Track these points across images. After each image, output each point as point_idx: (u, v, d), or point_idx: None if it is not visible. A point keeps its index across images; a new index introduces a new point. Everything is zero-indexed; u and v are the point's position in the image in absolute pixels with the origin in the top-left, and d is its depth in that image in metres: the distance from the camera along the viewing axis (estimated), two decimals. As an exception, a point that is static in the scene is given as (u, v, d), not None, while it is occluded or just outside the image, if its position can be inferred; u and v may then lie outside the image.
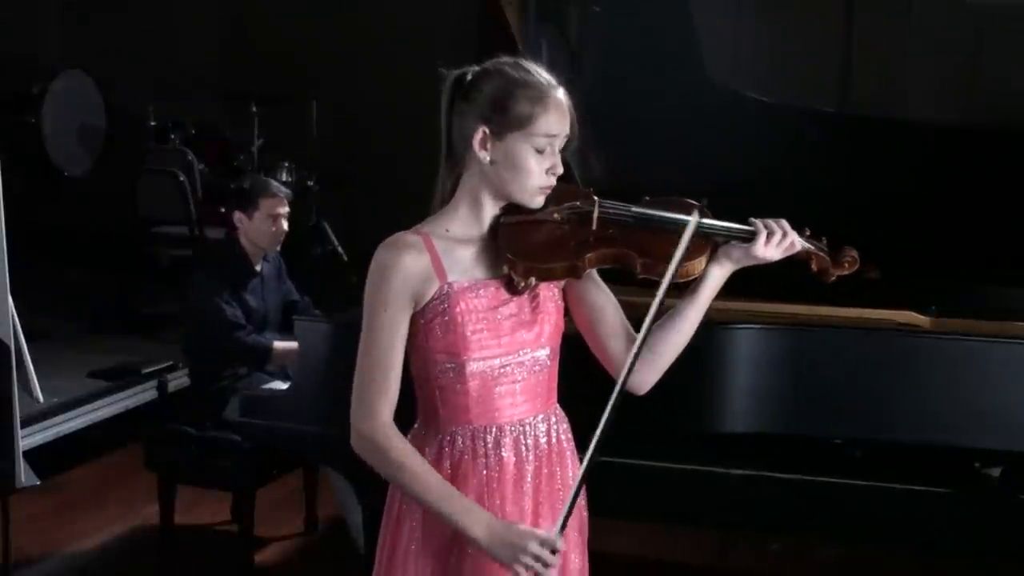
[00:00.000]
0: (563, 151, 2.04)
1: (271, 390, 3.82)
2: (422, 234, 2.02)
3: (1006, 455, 3.17)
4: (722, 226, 2.04)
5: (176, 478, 4.21)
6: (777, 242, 2.03)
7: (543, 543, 1.94)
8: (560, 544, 1.96)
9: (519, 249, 2.01)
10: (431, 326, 2.01)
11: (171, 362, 5.41)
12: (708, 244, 2.05)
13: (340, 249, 7.11)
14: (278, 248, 4.28)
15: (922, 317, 3.37)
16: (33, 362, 4.73)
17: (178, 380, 5.31)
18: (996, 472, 3.21)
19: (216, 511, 4.48)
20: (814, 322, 3.35)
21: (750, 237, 2.04)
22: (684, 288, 2.09)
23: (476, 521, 1.97)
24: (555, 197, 2.06)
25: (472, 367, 2.02)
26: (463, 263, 2.02)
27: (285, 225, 4.22)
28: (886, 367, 3.05)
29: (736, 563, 4.29)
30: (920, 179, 3.60)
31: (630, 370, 1.96)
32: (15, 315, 4.11)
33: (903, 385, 3.04)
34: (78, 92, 7.07)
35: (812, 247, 2.10)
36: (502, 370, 2.04)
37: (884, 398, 3.04)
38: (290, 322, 3.84)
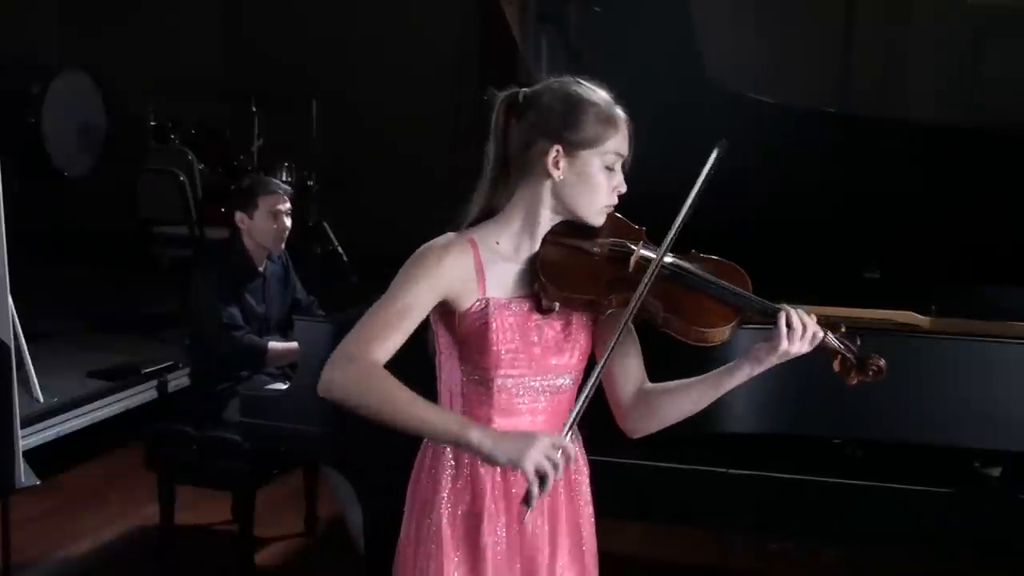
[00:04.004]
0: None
1: (272, 390, 3.82)
2: (471, 240, 2.03)
3: (1006, 455, 3.17)
4: (747, 296, 2.03)
5: (176, 478, 4.20)
6: (800, 337, 2.00)
7: (551, 442, 1.89)
8: (569, 446, 1.91)
9: (551, 273, 2.02)
10: (465, 336, 2.03)
11: (171, 362, 5.41)
12: (736, 314, 2.03)
13: (340, 249, 7.12)
14: (283, 246, 4.27)
15: (922, 317, 3.37)
16: (33, 362, 4.73)
17: (178, 380, 5.32)
18: (996, 472, 3.21)
19: (216, 511, 4.48)
20: (814, 322, 3.35)
21: (771, 315, 2.01)
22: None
23: (472, 427, 1.92)
24: (607, 228, 2.08)
25: (499, 382, 2.04)
26: (504, 278, 2.04)
27: (288, 222, 4.22)
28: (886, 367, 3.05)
29: (736, 563, 4.28)
30: (920, 179, 3.60)
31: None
32: (15, 315, 4.11)
33: (903, 385, 3.03)
34: (78, 92, 7.07)
35: (840, 346, 2.06)
36: (527, 388, 2.06)
37: (884, 398, 3.03)
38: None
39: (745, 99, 3.72)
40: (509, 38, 4.10)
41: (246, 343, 4.07)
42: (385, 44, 7.89)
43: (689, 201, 2.05)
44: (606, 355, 1.99)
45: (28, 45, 7.75)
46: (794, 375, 3.02)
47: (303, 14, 8.05)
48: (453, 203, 2.12)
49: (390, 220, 6.98)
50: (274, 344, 4.11)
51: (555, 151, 2.01)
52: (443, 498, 2.07)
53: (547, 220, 2.06)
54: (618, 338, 1.99)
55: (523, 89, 2.08)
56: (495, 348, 2.01)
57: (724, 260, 2.11)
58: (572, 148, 2.02)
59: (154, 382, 5.31)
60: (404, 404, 1.92)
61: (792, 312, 2.01)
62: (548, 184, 2.04)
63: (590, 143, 2.02)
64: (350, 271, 7.04)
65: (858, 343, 2.08)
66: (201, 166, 6.90)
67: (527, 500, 1.89)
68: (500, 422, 2.05)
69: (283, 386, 3.80)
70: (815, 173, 3.64)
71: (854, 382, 2.08)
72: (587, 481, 2.20)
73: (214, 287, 4.09)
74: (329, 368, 1.94)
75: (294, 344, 3.77)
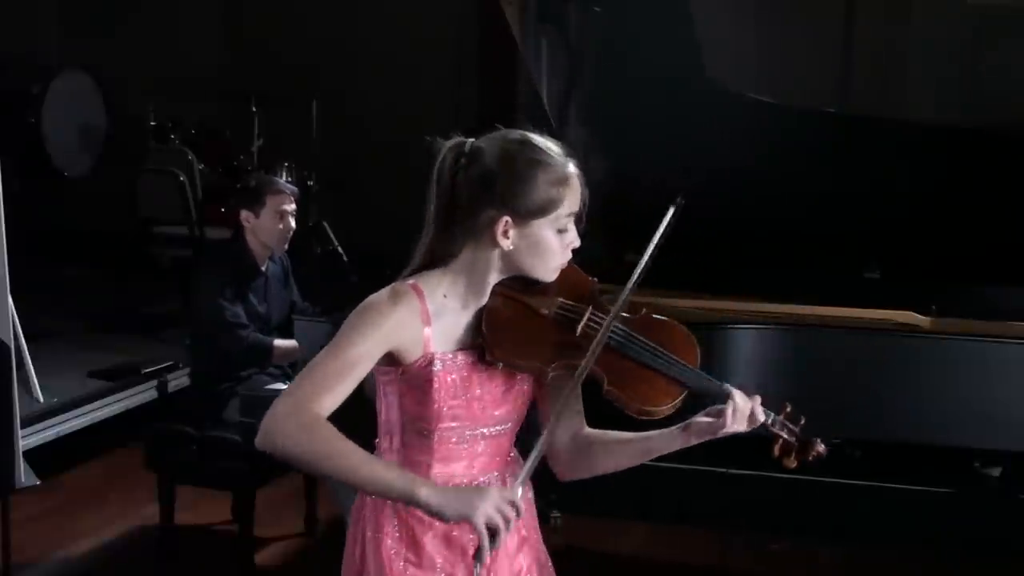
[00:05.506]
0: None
1: (272, 390, 3.82)
2: (419, 291, 1.95)
3: (1006, 455, 3.18)
4: (694, 373, 1.99)
5: (176, 478, 4.20)
6: (743, 418, 1.98)
7: (502, 496, 1.85)
8: (519, 501, 1.87)
9: (496, 335, 1.96)
10: (409, 389, 1.98)
11: (171, 362, 5.41)
12: (681, 391, 1.98)
13: (340, 249, 7.11)
14: (286, 247, 4.27)
15: (922, 317, 3.38)
16: (33, 362, 4.73)
17: (178, 380, 5.31)
18: (996, 472, 3.22)
19: (216, 511, 4.48)
20: (814, 322, 3.35)
21: (716, 394, 1.98)
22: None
23: (419, 484, 1.86)
24: (557, 284, 2.00)
25: (439, 434, 2.00)
26: (449, 330, 1.97)
27: (292, 223, 4.21)
28: (886, 367, 3.05)
29: (736, 563, 4.28)
30: (920, 179, 3.60)
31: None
32: (15, 315, 4.11)
33: (903, 385, 3.04)
34: (78, 92, 7.07)
35: (781, 432, 2.03)
36: (468, 436, 2.02)
37: (884, 398, 3.04)
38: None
39: (745, 99, 3.73)
40: (509, 38, 4.10)
41: (252, 341, 4.07)
42: (385, 44, 7.88)
43: (641, 265, 1.98)
44: (551, 426, 1.96)
45: (28, 45, 7.75)
46: (794, 375, 3.04)
47: (303, 14, 8.04)
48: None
49: (390, 220, 6.96)
50: (279, 342, 4.11)
51: (504, 222, 1.92)
52: (389, 543, 2.07)
53: (495, 280, 1.99)
54: (560, 411, 1.96)
55: (469, 140, 1.99)
56: (436, 405, 1.97)
57: (676, 324, 2.04)
58: (522, 218, 1.92)
59: (154, 382, 5.31)
60: (347, 459, 1.84)
61: (736, 393, 1.99)
62: (497, 252, 1.95)
63: (542, 211, 1.92)
64: (350, 271, 7.03)
65: (801, 423, 2.05)
66: (201, 166, 6.89)
67: (478, 556, 1.85)
68: (439, 468, 2.01)
69: (283, 386, 3.80)
70: (815, 173, 3.64)
71: (793, 465, 2.05)
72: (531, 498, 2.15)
73: (217, 286, 4.09)
74: (270, 420, 1.86)
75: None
